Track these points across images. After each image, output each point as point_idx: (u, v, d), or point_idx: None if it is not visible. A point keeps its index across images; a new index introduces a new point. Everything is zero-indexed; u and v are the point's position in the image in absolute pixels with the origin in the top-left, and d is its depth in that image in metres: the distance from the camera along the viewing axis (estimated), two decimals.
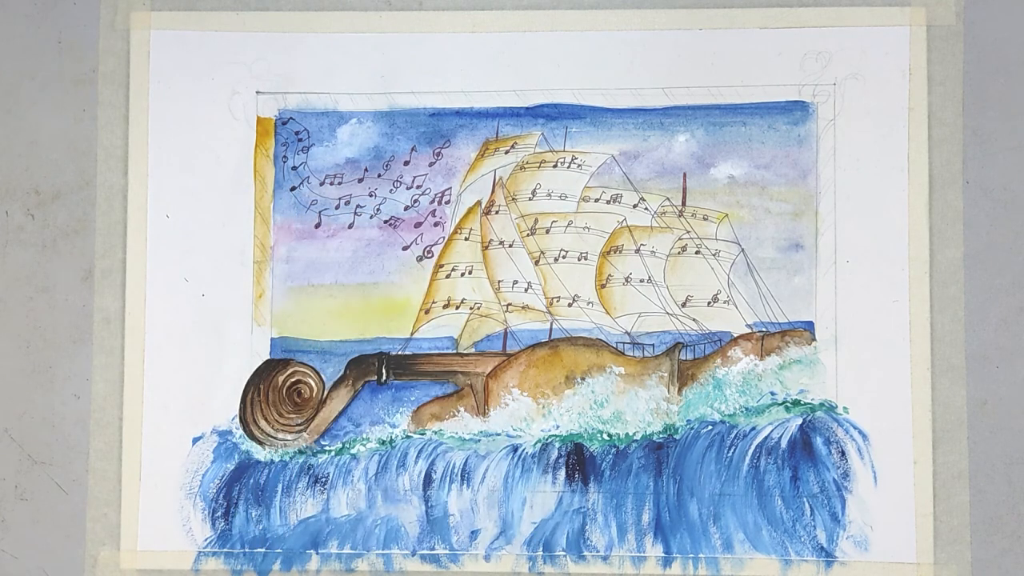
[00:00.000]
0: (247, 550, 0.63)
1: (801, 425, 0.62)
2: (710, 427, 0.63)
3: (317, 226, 0.64)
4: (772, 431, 0.62)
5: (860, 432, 0.62)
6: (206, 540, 0.63)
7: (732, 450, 0.62)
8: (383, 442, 0.63)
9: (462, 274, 0.63)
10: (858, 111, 0.63)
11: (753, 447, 0.62)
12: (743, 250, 0.63)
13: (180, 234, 0.64)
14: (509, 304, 0.63)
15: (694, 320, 0.63)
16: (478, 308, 0.63)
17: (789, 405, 0.62)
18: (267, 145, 0.64)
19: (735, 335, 0.63)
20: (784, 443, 0.62)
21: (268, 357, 0.64)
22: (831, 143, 0.63)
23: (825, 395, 0.62)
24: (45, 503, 0.64)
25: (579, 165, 0.64)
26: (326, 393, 0.63)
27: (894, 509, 0.61)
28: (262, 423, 0.63)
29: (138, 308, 0.64)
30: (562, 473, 0.63)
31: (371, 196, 0.64)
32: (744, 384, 0.63)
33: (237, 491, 0.63)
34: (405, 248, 0.64)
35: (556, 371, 0.63)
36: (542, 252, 0.63)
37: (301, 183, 0.64)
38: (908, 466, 0.61)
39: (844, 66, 0.63)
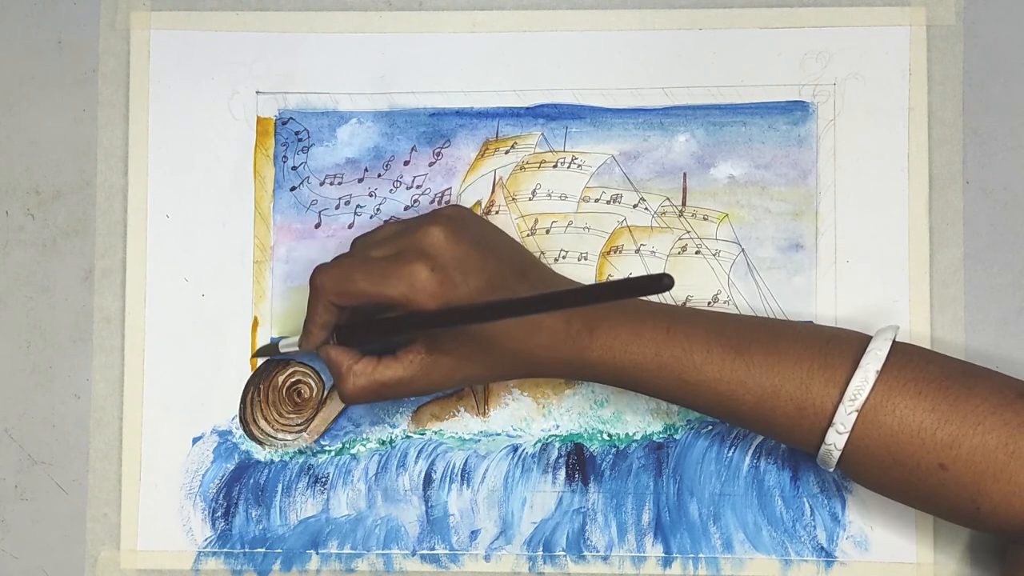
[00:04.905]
0: (247, 550, 0.63)
1: None
2: (710, 427, 0.63)
3: (317, 226, 0.64)
4: None
5: None
6: (206, 540, 0.63)
7: (732, 450, 0.62)
8: (383, 442, 0.63)
9: None
10: (858, 111, 0.63)
11: (753, 447, 0.62)
12: (743, 250, 0.63)
13: (180, 234, 0.64)
14: None
15: None
16: None
17: None
18: (267, 145, 0.64)
19: None
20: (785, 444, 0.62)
21: (268, 357, 0.64)
22: (831, 143, 0.63)
23: None
24: (45, 503, 0.64)
25: (579, 165, 0.63)
26: (326, 393, 0.63)
27: (894, 509, 0.61)
28: (262, 423, 0.63)
29: (138, 308, 0.64)
30: (562, 473, 0.63)
31: (371, 196, 0.64)
32: None
33: (237, 491, 0.63)
34: None
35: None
36: (542, 252, 0.63)
37: (301, 183, 0.64)
38: None
39: (844, 66, 0.63)
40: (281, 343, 0.61)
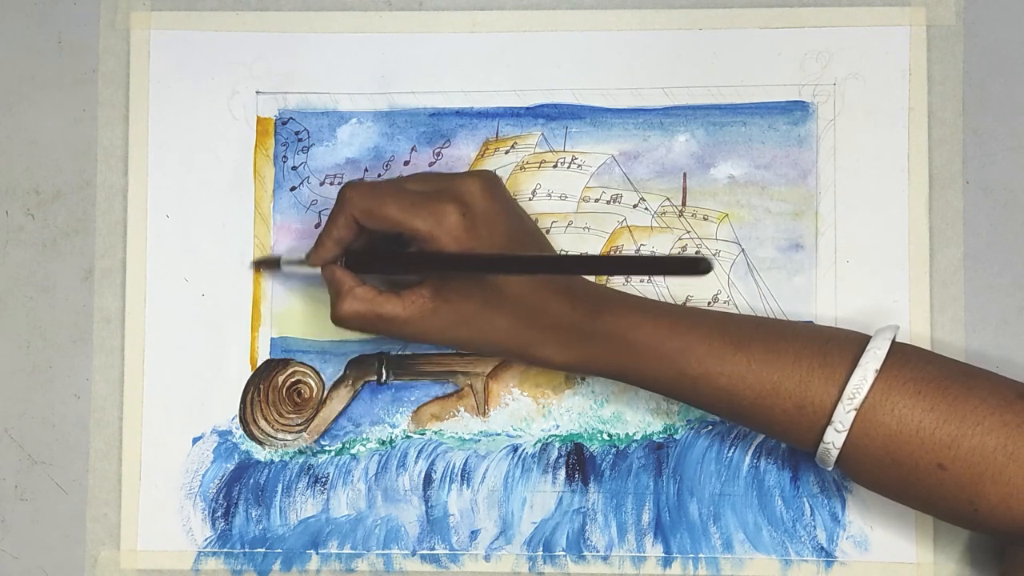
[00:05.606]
0: (247, 550, 0.63)
1: None
2: (710, 427, 0.63)
3: (317, 226, 0.64)
4: None
5: None
6: (206, 540, 0.63)
7: (732, 450, 0.62)
8: (383, 442, 0.63)
9: None
10: (858, 111, 0.63)
11: (753, 447, 0.62)
12: (743, 250, 0.63)
13: (180, 234, 0.64)
14: None
15: None
16: None
17: None
18: (267, 145, 0.64)
19: None
20: (784, 443, 0.62)
21: (268, 357, 0.64)
22: (831, 143, 0.63)
23: None
24: (45, 503, 0.64)
25: (579, 165, 0.64)
26: (326, 393, 0.63)
27: (894, 509, 0.61)
28: (262, 423, 0.63)
29: (138, 308, 0.64)
30: (562, 473, 0.63)
31: None
32: None
33: (237, 491, 0.63)
34: None
35: (556, 370, 0.63)
36: None
37: (301, 183, 0.64)
38: None
39: (844, 66, 0.63)
40: (283, 258, 0.61)
